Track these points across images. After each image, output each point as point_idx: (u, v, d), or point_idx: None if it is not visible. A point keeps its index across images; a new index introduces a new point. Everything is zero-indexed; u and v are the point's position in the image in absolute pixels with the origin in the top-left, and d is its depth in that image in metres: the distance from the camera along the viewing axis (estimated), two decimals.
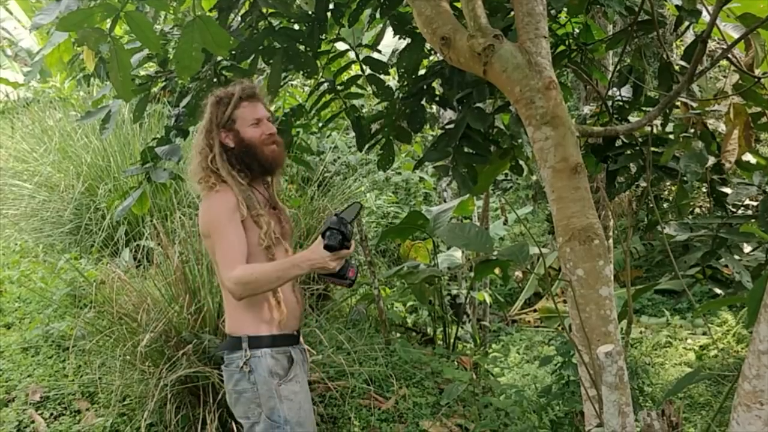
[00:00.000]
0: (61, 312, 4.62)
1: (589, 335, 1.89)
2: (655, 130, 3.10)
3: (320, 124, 5.30)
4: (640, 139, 3.14)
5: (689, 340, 6.27)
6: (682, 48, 3.61)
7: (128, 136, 6.18)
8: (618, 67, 3.22)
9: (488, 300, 6.13)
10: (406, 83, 3.45)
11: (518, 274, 8.47)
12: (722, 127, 3.15)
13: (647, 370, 5.46)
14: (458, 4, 2.26)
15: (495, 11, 2.98)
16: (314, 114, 4.16)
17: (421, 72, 3.54)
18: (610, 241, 4.81)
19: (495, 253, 2.22)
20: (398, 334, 5.17)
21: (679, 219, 3.46)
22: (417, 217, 4.83)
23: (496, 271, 4.58)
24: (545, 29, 2.01)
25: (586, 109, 3.86)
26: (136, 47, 3.45)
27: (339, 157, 8.42)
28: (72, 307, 4.62)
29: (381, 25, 4.11)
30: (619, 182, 3.31)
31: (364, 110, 7.70)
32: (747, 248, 3.27)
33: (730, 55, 2.42)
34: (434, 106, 3.88)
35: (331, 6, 3.40)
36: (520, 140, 3.37)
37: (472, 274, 5.91)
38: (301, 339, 2.60)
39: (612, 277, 1.93)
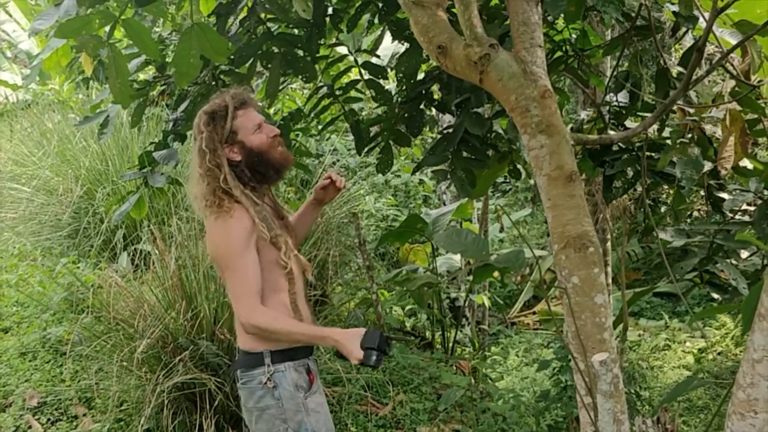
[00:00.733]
0: (59, 317, 4.62)
1: (585, 343, 1.90)
2: (651, 135, 3.10)
3: (320, 127, 5.30)
4: (637, 144, 3.14)
5: (688, 343, 6.28)
6: (681, 51, 3.60)
7: (127, 139, 6.19)
8: (615, 73, 3.22)
9: (487, 303, 6.13)
10: (404, 88, 3.46)
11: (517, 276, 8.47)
12: (719, 133, 3.16)
13: (644, 375, 5.46)
14: (454, 10, 2.27)
15: (492, 18, 2.99)
16: (313, 118, 4.17)
17: (420, 76, 3.54)
18: (608, 244, 4.81)
19: (492, 258, 2.23)
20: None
21: (676, 224, 3.47)
22: (416, 220, 4.83)
23: (495, 274, 4.59)
24: (540, 38, 2.02)
25: (584, 114, 3.85)
26: (135, 53, 3.45)
27: (338, 160, 8.41)
28: (69, 311, 4.62)
29: (380, 30, 4.10)
30: (616, 187, 3.31)
31: (363, 113, 7.70)
32: (744, 254, 3.28)
33: (726, 62, 2.43)
34: (433, 109, 3.89)
35: (329, 11, 3.40)
36: (517, 144, 3.38)
37: (470, 278, 5.91)
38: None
39: (607, 284, 1.94)
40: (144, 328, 3.46)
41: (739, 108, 2.84)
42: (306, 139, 6.86)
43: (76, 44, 2.59)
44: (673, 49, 6.19)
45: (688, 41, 3.55)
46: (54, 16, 2.80)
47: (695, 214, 7.19)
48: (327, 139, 8.50)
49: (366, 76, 3.56)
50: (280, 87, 3.56)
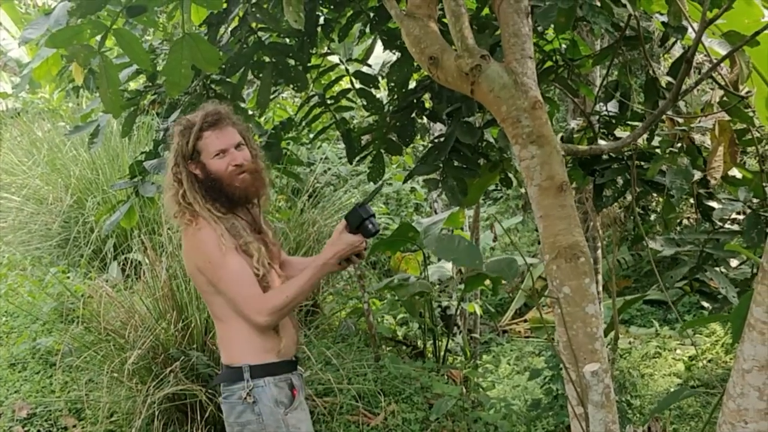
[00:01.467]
0: (49, 327, 4.60)
1: (576, 353, 1.91)
2: (641, 145, 3.12)
3: (311, 136, 5.30)
4: (626, 153, 3.16)
5: (678, 351, 6.29)
6: (670, 60, 3.63)
7: (117, 148, 6.17)
8: (605, 83, 3.24)
9: (479, 311, 6.13)
10: (396, 97, 3.47)
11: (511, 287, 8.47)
12: (707, 142, 3.18)
13: (635, 383, 5.47)
14: (445, 20, 2.28)
15: (482, 28, 3.01)
16: (304, 126, 4.17)
17: (411, 86, 3.56)
18: (598, 252, 4.83)
19: (484, 266, 2.23)
20: (388, 348, 5.16)
21: (666, 233, 3.48)
22: (407, 229, 4.84)
23: (486, 282, 4.60)
24: (531, 50, 2.03)
25: (573, 123, 3.87)
26: (126, 62, 3.44)
27: (329, 168, 8.41)
28: (59, 322, 4.60)
29: (371, 40, 4.12)
30: (606, 196, 3.33)
31: (354, 122, 7.71)
32: (734, 262, 3.29)
33: (715, 72, 2.45)
34: (424, 118, 3.90)
35: (321, 21, 3.41)
36: (508, 153, 3.39)
37: (462, 286, 5.92)
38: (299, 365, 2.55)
39: (598, 292, 1.95)
40: (135, 338, 3.45)
41: (727, 118, 2.86)
42: (297, 148, 6.86)
43: (68, 54, 2.58)
44: (661, 58, 6.23)
45: (676, 51, 3.57)
46: (44, 25, 2.80)
47: (684, 222, 7.23)
48: (318, 148, 8.50)
49: (357, 85, 3.58)
50: (272, 96, 3.56)
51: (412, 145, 7.79)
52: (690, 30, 2.79)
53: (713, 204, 3.16)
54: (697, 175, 3.04)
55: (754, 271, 3.27)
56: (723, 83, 2.56)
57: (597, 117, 3.32)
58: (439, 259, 6.39)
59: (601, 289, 4.56)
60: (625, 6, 2.72)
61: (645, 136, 3.13)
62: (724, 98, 2.87)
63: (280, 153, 4.14)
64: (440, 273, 6.05)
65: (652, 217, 5.67)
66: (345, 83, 3.75)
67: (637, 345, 6.48)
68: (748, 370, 1.54)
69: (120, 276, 5.20)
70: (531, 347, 7.20)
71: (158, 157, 3.65)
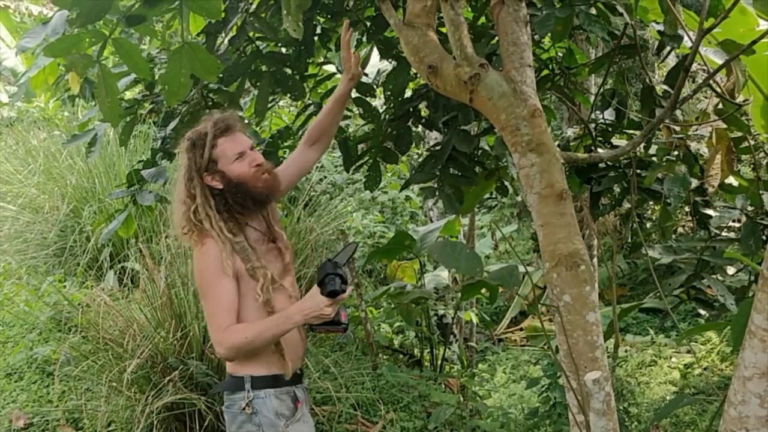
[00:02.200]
0: (45, 336, 4.58)
1: (577, 361, 1.91)
2: (638, 153, 3.13)
3: None
4: (624, 161, 3.17)
5: (674, 359, 6.30)
6: (664, 69, 3.65)
7: (114, 157, 6.17)
8: (601, 91, 3.26)
9: (475, 320, 6.14)
10: (392, 105, 3.48)
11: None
12: (703, 149, 3.20)
13: (633, 391, 5.48)
14: (444, 29, 2.30)
15: (479, 37, 3.02)
16: (301, 135, 4.18)
17: (408, 94, 3.57)
18: (595, 260, 4.84)
19: (485, 275, 2.23)
20: (385, 357, 5.16)
21: (663, 241, 3.49)
22: (404, 237, 4.84)
23: (483, 290, 4.60)
24: (530, 58, 2.04)
25: (570, 132, 3.89)
26: (124, 71, 3.45)
27: (325, 177, 8.42)
28: (56, 331, 4.58)
29: (367, 49, 4.13)
30: (603, 204, 3.34)
31: (350, 130, 7.72)
32: (731, 270, 3.30)
33: (711, 81, 2.46)
34: (420, 126, 3.92)
35: (318, 30, 3.42)
36: (504, 161, 3.41)
37: (459, 294, 5.92)
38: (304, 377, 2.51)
39: (597, 303, 1.95)
40: (133, 347, 3.44)
41: (724, 126, 2.88)
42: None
43: (66, 63, 2.58)
44: (656, 66, 6.26)
45: (671, 59, 3.59)
46: (41, 34, 2.81)
47: (680, 230, 7.25)
48: None
49: (354, 94, 3.58)
50: (269, 105, 3.57)
51: (407, 154, 7.82)
52: (686, 39, 2.81)
53: (710, 212, 3.18)
54: (694, 183, 3.06)
55: (752, 278, 3.28)
56: (720, 92, 2.58)
57: (594, 125, 3.33)
58: (435, 268, 6.40)
59: (596, 297, 4.56)
60: (621, 15, 2.74)
61: (642, 143, 3.15)
62: (720, 106, 2.89)
63: (278, 161, 4.14)
64: (436, 281, 6.05)
65: (648, 224, 5.69)
66: None
67: (633, 353, 6.49)
68: (749, 377, 1.55)
69: (117, 285, 5.19)
70: (527, 356, 7.20)
71: (156, 165, 3.65)
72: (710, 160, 2.87)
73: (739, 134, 2.97)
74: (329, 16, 3.35)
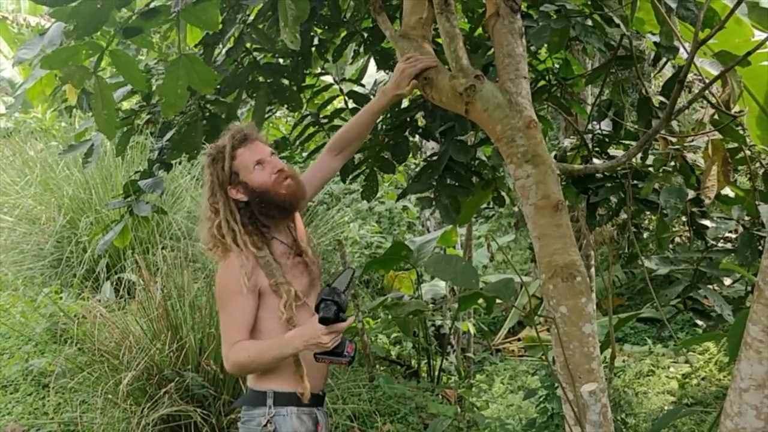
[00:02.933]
0: (41, 348, 4.56)
1: (573, 373, 1.90)
2: (634, 163, 3.13)
3: (305, 155, 5.31)
4: (620, 172, 3.18)
5: (672, 369, 6.28)
6: (661, 80, 3.66)
7: (110, 168, 6.17)
8: (598, 101, 3.27)
9: (472, 330, 6.12)
10: (389, 115, 3.49)
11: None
12: (699, 160, 3.20)
13: (630, 401, 5.46)
14: (439, 40, 2.30)
15: (475, 48, 3.03)
16: (298, 146, 4.18)
17: (404, 104, 3.58)
18: (592, 270, 4.84)
19: (481, 287, 2.22)
20: (382, 368, 5.14)
21: (660, 251, 3.49)
22: (401, 248, 4.84)
23: (480, 301, 4.59)
24: (525, 70, 2.05)
25: (567, 142, 3.90)
26: (120, 82, 3.45)
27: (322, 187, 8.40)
28: (52, 342, 4.56)
29: (364, 60, 4.15)
30: (599, 214, 3.34)
31: None
32: (728, 281, 3.30)
33: (707, 93, 2.47)
34: (417, 136, 3.93)
35: (315, 41, 3.43)
36: (501, 171, 3.41)
37: (456, 305, 5.91)
38: (326, 400, 2.42)
39: (593, 314, 1.95)
40: (129, 359, 3.42)
41: (720, 137, 2.88)
42: (291, 167, 6.85)
43: (62, 75, 2.58)
44: (653, 77, 6.28)
45: (667, 70, 3.60)
46: (38, 45, 2.80)
47: (677, 240, 7.25)
48: None
49: (351, 105, 3.59)
50: (266, 116, 3.57)
51: (404, 164, 7.83)
52: (681, 50, 2.82)
53: (707, 222, 3.18)
54: (691, 193, 3.06)
55: (748, 289, 3.28)
56: (715, 102, 2.59)
57: (590, 135, 3.34)
58: (432, 278, 6.39)
59: (594, 307, 4.56)
60: (617, 26, 2.75)
61: (638, 155, 3.16)
62: (715, 117, 2.89)
63: None
64: (434, 292, 6.05)
65: (645, 235, 5.70)
66: (339, 103, 3.77)
67: (631, 363, 6.47)
68: (745, 389, 1.55)
69: (113, 296, 5.17)
70: (524, 366, 7.18)
71: (153, 176, 3.65)
72: (706, 170, 2.88)
73: (735, 145, 2.98)
74: (326, 28, 3.36)
